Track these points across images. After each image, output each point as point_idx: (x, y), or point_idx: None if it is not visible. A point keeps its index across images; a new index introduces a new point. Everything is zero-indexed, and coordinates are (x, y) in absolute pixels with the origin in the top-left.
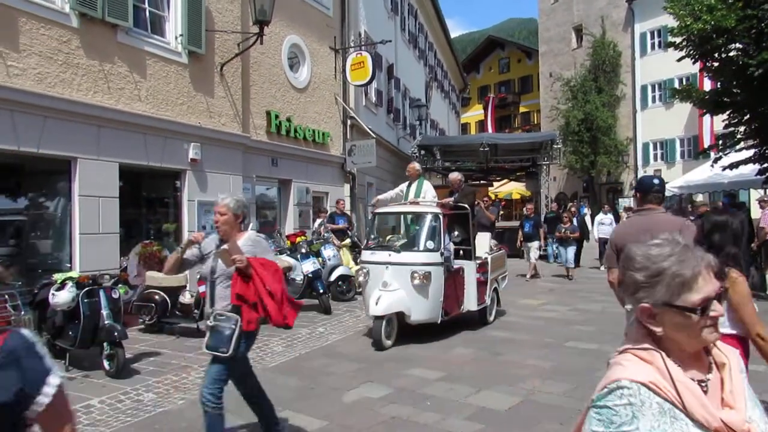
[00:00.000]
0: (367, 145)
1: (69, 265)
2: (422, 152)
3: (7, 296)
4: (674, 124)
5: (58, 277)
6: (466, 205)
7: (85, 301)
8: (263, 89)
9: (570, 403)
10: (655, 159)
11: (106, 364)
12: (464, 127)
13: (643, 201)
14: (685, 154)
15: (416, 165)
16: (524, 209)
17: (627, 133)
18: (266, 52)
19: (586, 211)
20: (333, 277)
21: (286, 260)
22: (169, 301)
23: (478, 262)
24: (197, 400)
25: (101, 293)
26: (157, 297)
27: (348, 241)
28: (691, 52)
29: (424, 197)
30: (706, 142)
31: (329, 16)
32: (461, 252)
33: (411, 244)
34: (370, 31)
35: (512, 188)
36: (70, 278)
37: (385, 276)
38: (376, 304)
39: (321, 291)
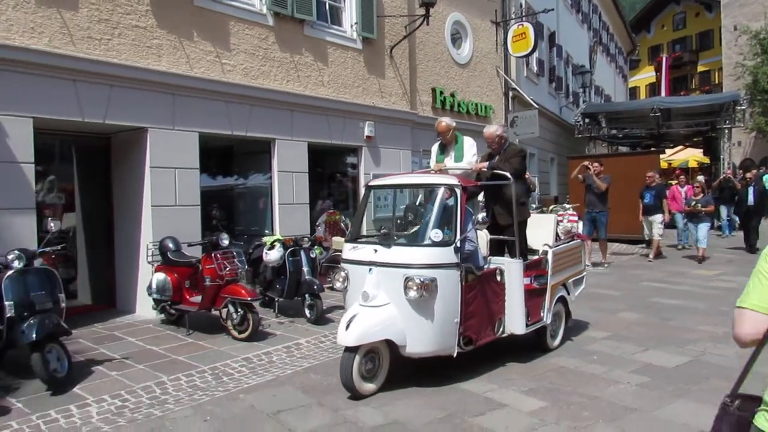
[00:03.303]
0: (530, 116)
1: (267, 231)
2: (586, 120)
3: (235, 253)
4: None
5: (267, 239)
6: (508, 174)
7: (290, 259)
8: (428, 67)
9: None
10: None
11: (307, 312)
12: (632, 92)
13: None
14: None
15: (447, 121)
16: (646, 177)
17: None
18: (430, 32)
19: None
20: None
21: None
22: None
23: (534, 258)
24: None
25: (302, 253)
26: None
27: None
28: None
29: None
30: None
31: None
32: (506, 246)
33: (408, 235)
34: (531, 1)
35: (688, 155)
36: (278, 240)
37: (367, 283)
38: (347, 327)
39: None
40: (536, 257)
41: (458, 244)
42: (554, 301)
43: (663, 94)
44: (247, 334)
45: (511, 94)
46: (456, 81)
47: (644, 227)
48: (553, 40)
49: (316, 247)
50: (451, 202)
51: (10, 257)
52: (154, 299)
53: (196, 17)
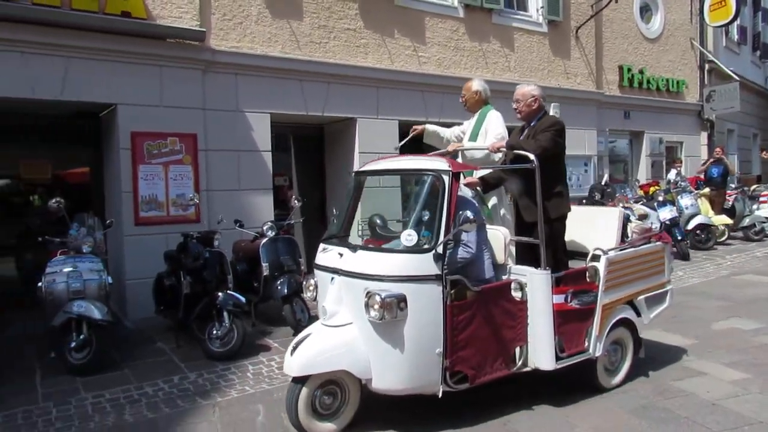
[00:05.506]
0: (729, 89)
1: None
2: None
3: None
4: None
5: None
6: (530, 154)
7: None
8: (615, 45)
9: None
10: None
11: None
12: None
13: None
14: None
15: (476, 83)
16: None
17: None
18: (618, 8)
19: None
20: (691, 226)
21: (640, 208)
22: None
23: (574, 268)
24: None
25: None
26: None
27: (706, 190)
28: None
29: (485, 140)
30: None
31: None
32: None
33: (376, 236)
34: None
35: None
36: None
37: (327, 296)
38: (293, 351)
39: (679, 238)
40: (579, 267)
41: (439, 250)
42: (609, 326)
43: None
44: None
45: (707, 66)
46: (645, 57)
47: None
48: (758, 2)
49: None
50: (433, 194)
51: (265, 227)
52: None
53: (396, 16)
